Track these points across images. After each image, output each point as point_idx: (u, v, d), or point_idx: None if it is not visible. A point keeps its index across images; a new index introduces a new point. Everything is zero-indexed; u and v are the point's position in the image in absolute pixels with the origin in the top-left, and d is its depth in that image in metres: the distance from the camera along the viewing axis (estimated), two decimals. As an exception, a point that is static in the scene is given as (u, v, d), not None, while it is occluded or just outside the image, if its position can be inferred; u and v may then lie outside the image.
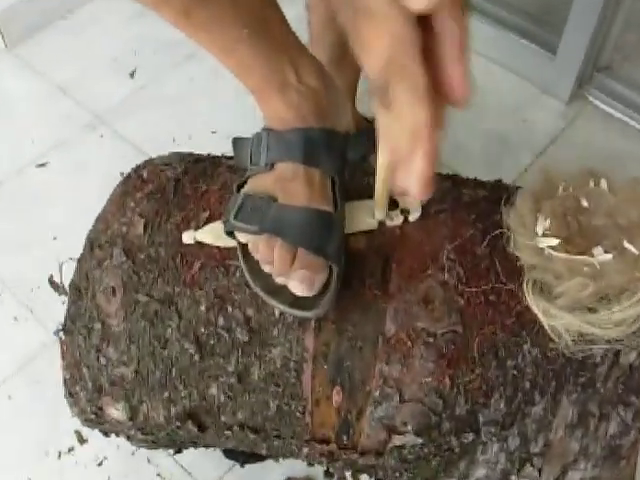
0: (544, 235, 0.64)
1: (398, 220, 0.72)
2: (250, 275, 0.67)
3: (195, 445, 0.83)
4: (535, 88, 1.35)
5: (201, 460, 0.95)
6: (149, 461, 0.96)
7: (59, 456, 0.98)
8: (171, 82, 1.39)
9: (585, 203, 0.67)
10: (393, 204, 0.73)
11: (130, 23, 1.47)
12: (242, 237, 0.68)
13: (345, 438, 0.72)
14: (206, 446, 0.83)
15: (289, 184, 0.67)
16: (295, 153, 0.66)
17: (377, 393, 0.68)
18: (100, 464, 0.97)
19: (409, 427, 0.68)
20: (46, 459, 0.98)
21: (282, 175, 0.67)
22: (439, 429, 0.68)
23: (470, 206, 0.74)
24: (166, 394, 0.73)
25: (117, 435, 0.83)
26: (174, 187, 0.78)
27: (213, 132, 1.30)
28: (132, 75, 1.41)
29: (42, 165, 1.28)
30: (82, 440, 0.99)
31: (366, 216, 0.72)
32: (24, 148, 1.30)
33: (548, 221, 0.65)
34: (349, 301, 0.69)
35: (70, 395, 0.78)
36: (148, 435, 0.79)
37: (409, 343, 0.67)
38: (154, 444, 0.83)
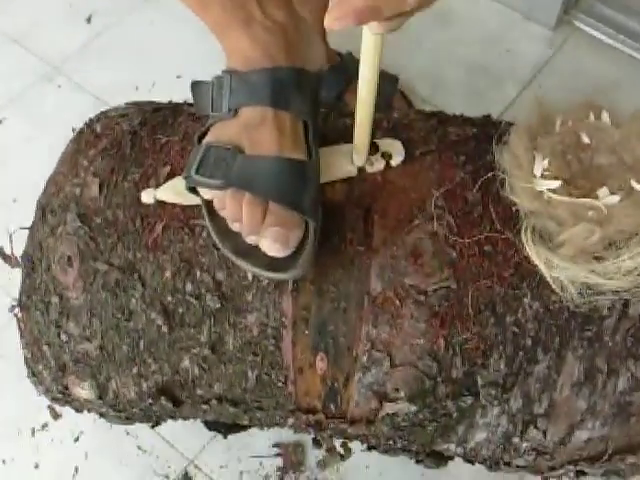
0: (543, 177, 0.58)
1: (379, 165, 0.65)
2: (217, 235, 0.60)
3: (173, 418, 0.77)
4: (518, 14, 1.26)
5: (183, 430, 0.89)
6: (128, 433, 0.91)
7: (33, 433, 0.92)
8: (130, 26, 1.29)
9: (586, 139, 0.60)
10: (373, 148, 0.66)
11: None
12: (206, 193, 0.61)
13: (333, 407, 0.66)
14: (185, 418, 0.77)
15: (256, 131, 0.59)
16: (262, 96, 0.59)
17: (365, 358, 0.62)
18: (77, 439, 0.92)
19: (402, 393, 0.63)
20: (19, 438, 0.92)
21: (248, 121, 0.60)
22: (434, 394, 0.62)
23: (458, 146, 0.67)
24: (135, 369, 0.67)
25: (89, 412, 0.77)
26: (130, 141, 0.70)
27: (178, 77, 1.21)
28: (88, 20, 1.31)
29: (-3, 122, 1.19)
30: (56, 415, 0.93)
31: (344, 162, 0.65)
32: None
33: (547, 161, 0.58)
34: (329, 259, 0.62)
35: (33, 374, 0.72)
36: (121, 412, 0.73)
37: (397, 302, 0.61)
38: (129, 420, 0.77)
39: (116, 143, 0.70)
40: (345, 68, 1.12)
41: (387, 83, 1.14)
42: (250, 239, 0.59)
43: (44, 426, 0.93)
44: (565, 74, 1.21)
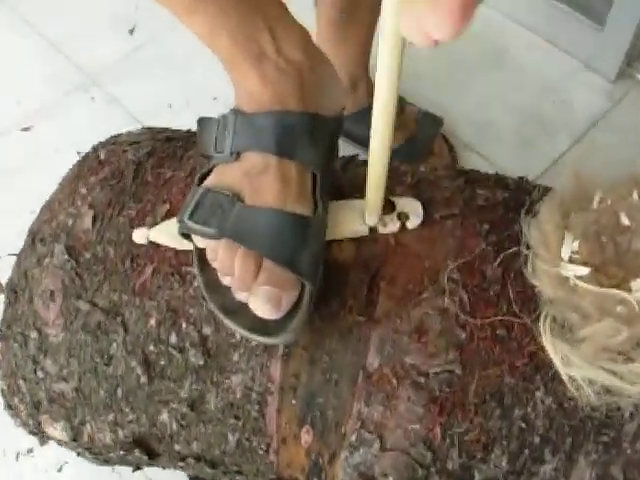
0: (571, 260, 0.51)
1: (393, 226, 0.59)
2: (206, 288, 0.55)
3: (152, 466, 0.72)
4: (578, 62, 1.19)
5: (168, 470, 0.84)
6: (113, 469, 0.86)
7: (17, 457, 0.89)
8: (172, 42, 1.26)
9: (626, 221, 0.53)
10: (389, 206, 0.60)
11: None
12: (200, 241, 0.56)
13: (317, 483, 0.61)
14: (164, 468, 0.72)
15: (258, 179, 0.54)
16: (266, 141, 0.54)
17: (354, 437, 0.56)
18: (60, 470, 0.87)
19: (390, 479, 0.56)
20: (3, 460, 0.89)
21: (250, 168, 0.55)
22: (427, 485, 0.56)
23: (485, 212, 0.61)
24: (111, 416, 0.62)
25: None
26: (134, 172, 0.66)
27: (214, 99, 1.17)
28: (131, 32, 1.29)
29: (26, 129, 1.17)
30: (42, 441, 0.89)
31: (355, 220, 0.60)
32: (8, 109, 1.19)
33: (577, 242, 0.51)
34: (326, 325, 0.57)
35: (9, 407, 0.68)
36: (98, 455, 0.69)
37: (394, 381, 0.55)
38: (107, 462, 0.72)
39: (118, 173, 0.66)
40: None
41: (429, 124, 1.08)
42: (240, 296, 0.54)
43: (29, 451, 0.89)
44: (622, 130, 1.13)
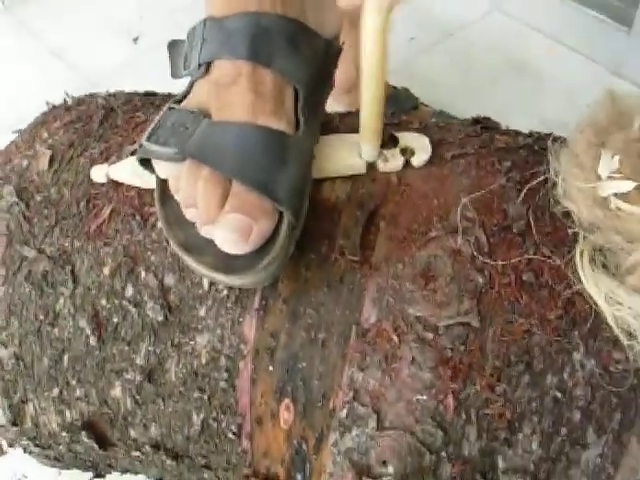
0: (610, 178, 0.41)
1: (396, 163, 0.50)
2: (166, 224, 0.46)
3: (112, 467, 0.60)
4: (603, 68, 1.11)
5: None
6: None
7: (-34, 472, 0.77)
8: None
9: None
10: (390, 141, 0.51)
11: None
12: (162, 170, 0.47)
13: (300, 478, 0.49)
14: (124, 471, 0.60)
15: (227, 90, 0.45)
16: (237, 45, 0.45)
17: (344, 413, 0.45)
18: (16, 486, 0.76)
19: (389, 469, 0.45)
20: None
21: (219, 78, 0.46)
22: (435, 475, 0.44)
23: (504, 153, 0.51)
24: (56, 391, 0.52)
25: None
26: (103, 116, 0.58)
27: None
28: (135, 41, 1.23)
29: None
30: (1, 451, 0.77)
31: (350, 155, 0.50)
32: (2, 114, 1.13)
33: (617, 158, 0.41)
34: (311, 272, 0.47)
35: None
36: (45, 449, 0.58)
37: (395, 339, 0.44)
38: (60, 463, 0.61)
39: (86, 117, 0.58)
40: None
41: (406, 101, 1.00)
42: (205, 230, 0.44)
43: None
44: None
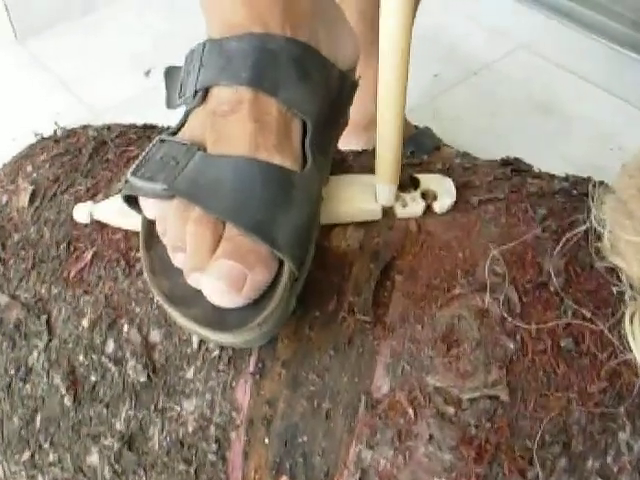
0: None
1: (416, 208, 0.44)
2: (150, 271, 0.40)
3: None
4: (634, 108, 1.06)
5: None
6: None
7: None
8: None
9: None
10: (410, 183, 0.46)
11: (152, 21, 1.28)
12: (149, 209, 0.41)
13: None
14: None
15: (225, 120, 0.40)
16: (238, 69, 0.40)
17: (350, 496, 0.39)
18: None
19: None
20: None
21: (216, 107, 0.41)
22: None
23: (538, 198, 0.45)
24: (27, 454, 0.46)
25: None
26: (93, 149, 0.53)
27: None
28: (147, 74, 1.20)
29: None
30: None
31: (364, 198, 0.45)
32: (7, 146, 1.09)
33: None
34: (316, 332, 0.41)
35: None
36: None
37: (411, 412, 0.38)
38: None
39: (74, 150, 0.53)
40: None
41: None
42: (193, 279, 0.38)
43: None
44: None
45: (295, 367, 0.40)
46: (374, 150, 0.44)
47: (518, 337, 0.38)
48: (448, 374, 0.38)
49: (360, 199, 0.44)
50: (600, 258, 0.39)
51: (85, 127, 0.59)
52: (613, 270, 0.39)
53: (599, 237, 0.40)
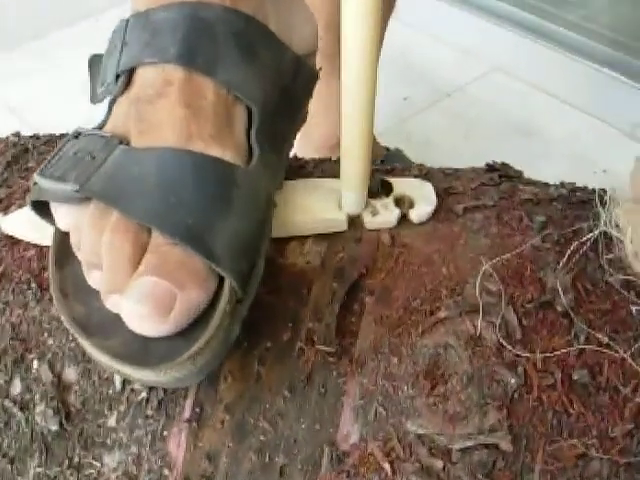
0: None
1: (388, 216, 0.37)
2: (60, 292, 0.32)
3: None
4: (618, 131, 1.01)
5: None
6: None
7: None
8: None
9: None
10: (382, 189, 0.38)
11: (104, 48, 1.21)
12: (61, 218, 0.33)
13: None
14: None
15: (151, 106, 0.32)
16: (164, 43, 0.33)
17: None
18: None
19: None
20: None
21: (141, 92, 0.33)
22: None
23: (534, 206, 0.38)
24: None
25: None
26: (13, 157, 0.45)
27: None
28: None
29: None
30: None
31: (326, 206, 0.37)
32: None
33: None
34: (267, 367, 0.33)
35: None
36: None
37: (388, 467, 0.30)
38: None
39: (-10, 158, 0.45)
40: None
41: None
42: (111, 302, 0.30)
43: None
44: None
45: (241, 412, 0.32)
46: (339, 160, 0.37)
47: (520, 369, 0.30)
48: (434, 418, 0.30)
49: (321, 207, 0.37)
50: (615, 270, 0.32)
51: (11, 135, 0.51)
52: (629, 284, 0.32)
53: (609, 247, 0.33)
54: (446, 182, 0.41)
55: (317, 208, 0.37)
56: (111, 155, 0.32)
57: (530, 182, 0.43)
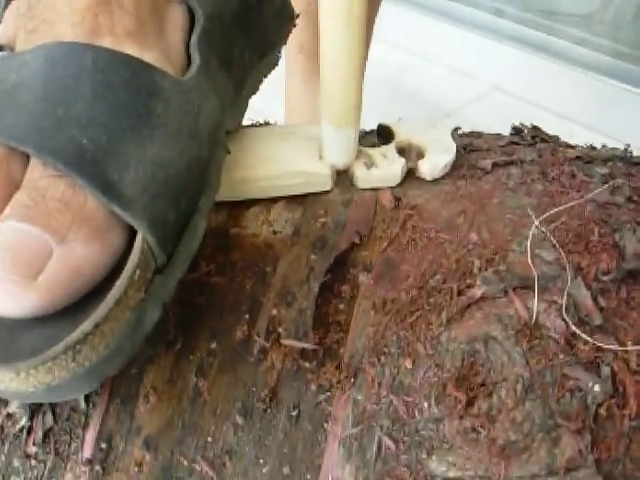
0: None
1: (390, 169, 0.26)
2: None
3: None
4: (619, 143, 0.91)
5: None
6: None
7: None
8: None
9: None
10: (381, 135, 0.28)
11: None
12: None
13: None
14: None
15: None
16: None
17: None
18: None
19: None
20: None
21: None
22: None
23: (586, 164, 0.28)
24: None
25: None
26: None
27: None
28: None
29: None
30: None
31: (302, 157, 0.26)
32: None
33: None
34: (210, 379, 0.21)
35: None
36: None
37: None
38: None
39: None
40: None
41: None
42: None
43: None
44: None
45: (169, 449, 0.21)
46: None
47: (605, 370, 0.19)
48: (473, 452, 0.19)
49: (295, 158, 0.26)
50: None
51: None
52: None
53: None
54: (466, 139, 0.30)
55: (289, 159, 0.26)
56: None
57: (569, 145, 0.33)
